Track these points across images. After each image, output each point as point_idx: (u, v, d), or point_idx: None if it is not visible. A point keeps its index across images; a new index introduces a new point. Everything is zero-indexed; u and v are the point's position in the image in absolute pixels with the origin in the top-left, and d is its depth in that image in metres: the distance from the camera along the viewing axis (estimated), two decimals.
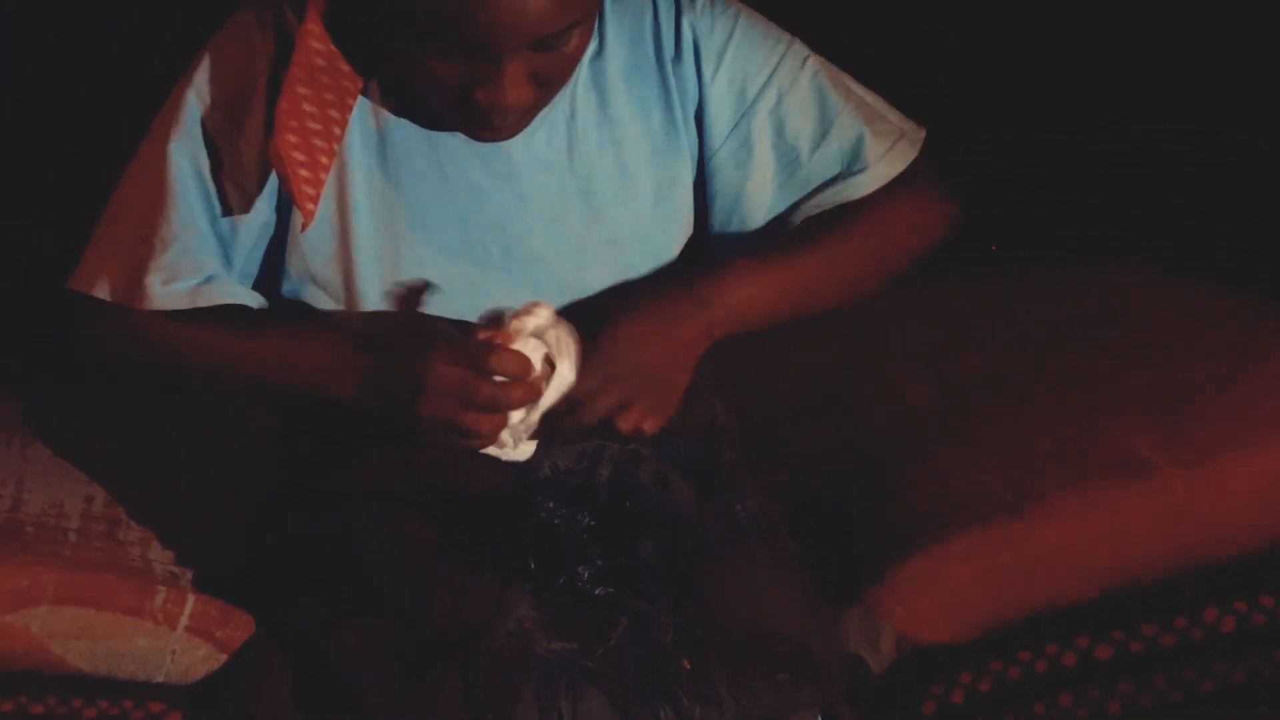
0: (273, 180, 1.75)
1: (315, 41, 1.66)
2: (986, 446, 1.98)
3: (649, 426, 1.75)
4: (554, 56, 1.60)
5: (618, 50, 1.76)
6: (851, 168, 1.84)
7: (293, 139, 1.65)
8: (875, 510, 1.93)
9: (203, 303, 1.76)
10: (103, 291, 1.78)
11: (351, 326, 1.76)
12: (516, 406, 1.66)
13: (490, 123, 1.62)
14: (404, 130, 1.74)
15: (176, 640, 1.79)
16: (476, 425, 1.65)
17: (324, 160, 1.67)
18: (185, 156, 1.74)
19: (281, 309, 1.82)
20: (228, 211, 1.75)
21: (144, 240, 1.76)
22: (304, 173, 1.66)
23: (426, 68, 1.59)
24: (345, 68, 1.68)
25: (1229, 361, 2.03)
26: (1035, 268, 2.43)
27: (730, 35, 1.78)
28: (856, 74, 1.91)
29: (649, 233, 1.80)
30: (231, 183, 1.74)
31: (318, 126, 1.67)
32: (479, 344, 1.65)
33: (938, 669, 1.84)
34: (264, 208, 1.77)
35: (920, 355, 2.16)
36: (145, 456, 2.07)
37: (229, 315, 1.77)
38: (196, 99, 1.74)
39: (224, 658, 1.79)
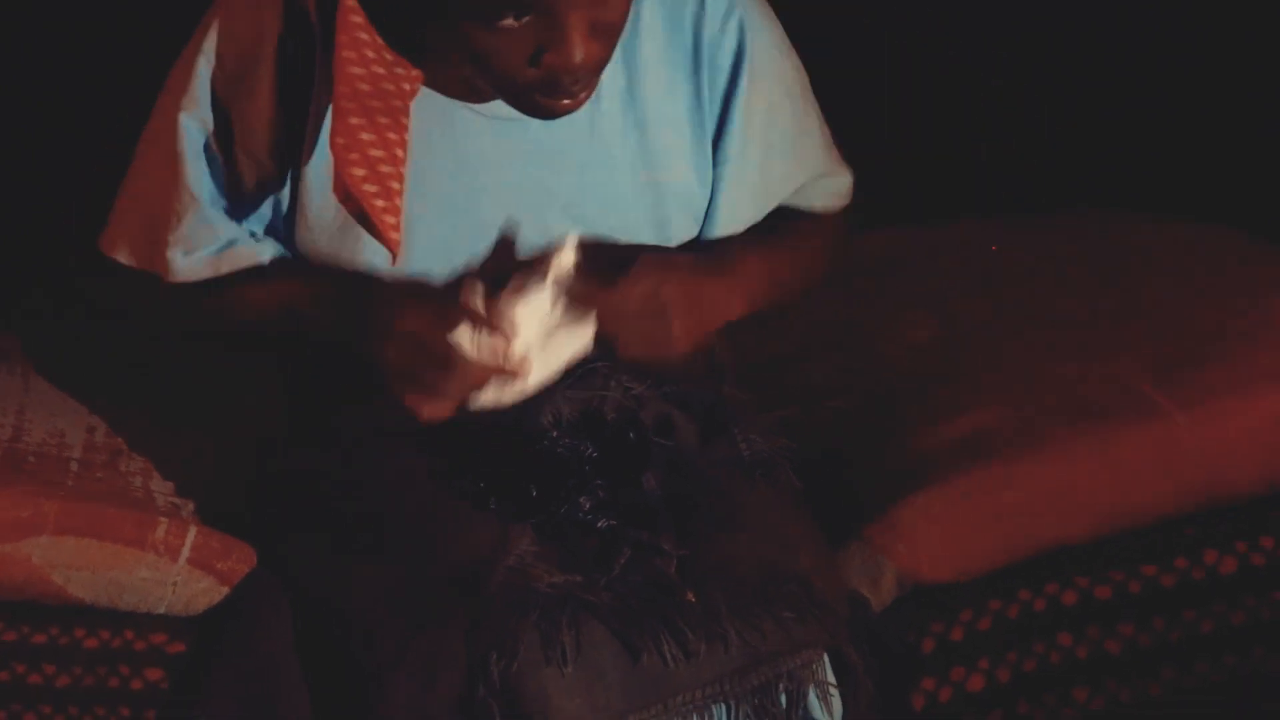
0: (283, 150, 1.72)
1: (354, 67, 1.62)
2: (989, 386, 1.99)
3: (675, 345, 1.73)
4: (609, 3, 1.57)
5: (653, 32, 1.72)
6: (804, 195, 1.84)
7: (359, 172, 1.60)
8: (877, 448, 1.93)
9: (225, 269, 1.75)
10: (125, 257, 1.79)
11: (355, 277, 1.74)
12: (466, 380, 1.62)
13: (562, 85, 1.57)
14: (421, 107, 1.70)
15: (178, 572, 1.79)
16: (435, 381, 1.61)
17: (395, 186, 1.62)
18: (196, 124, 1.71)
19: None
20: (239, 180, 1.73)
21: (160, 211, 1.74)
22: (380, 203, 1.61)
23: (489, 46, 1.55)
24: (390, 87, 1.65)
25: (1233, 303, 2.04)
26: (1040, 212, 2.43)
27: (767, 34, 1.76)
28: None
29: (663, 220, 1.77)
30: (243, 151, 1.71)
31: (380, 153, 1.62)
32: (455, 305, 1.63)
33: (938, 607, 1.85)
34: (275, 177, 1.74)
35: (923, 296, 2.17)
36: (148, 388, 2.07)
37: (247, 275, 1.76)
38: (205, 65, 1.70)
39: (225, 590, 1.79)
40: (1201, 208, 2.33)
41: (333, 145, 1.61)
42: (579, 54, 1.55)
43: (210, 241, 1.74)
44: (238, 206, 1.75)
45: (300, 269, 1.76)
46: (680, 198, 1.77)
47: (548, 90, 1.59)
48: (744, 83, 1.74)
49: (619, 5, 1.58)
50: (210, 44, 1.70)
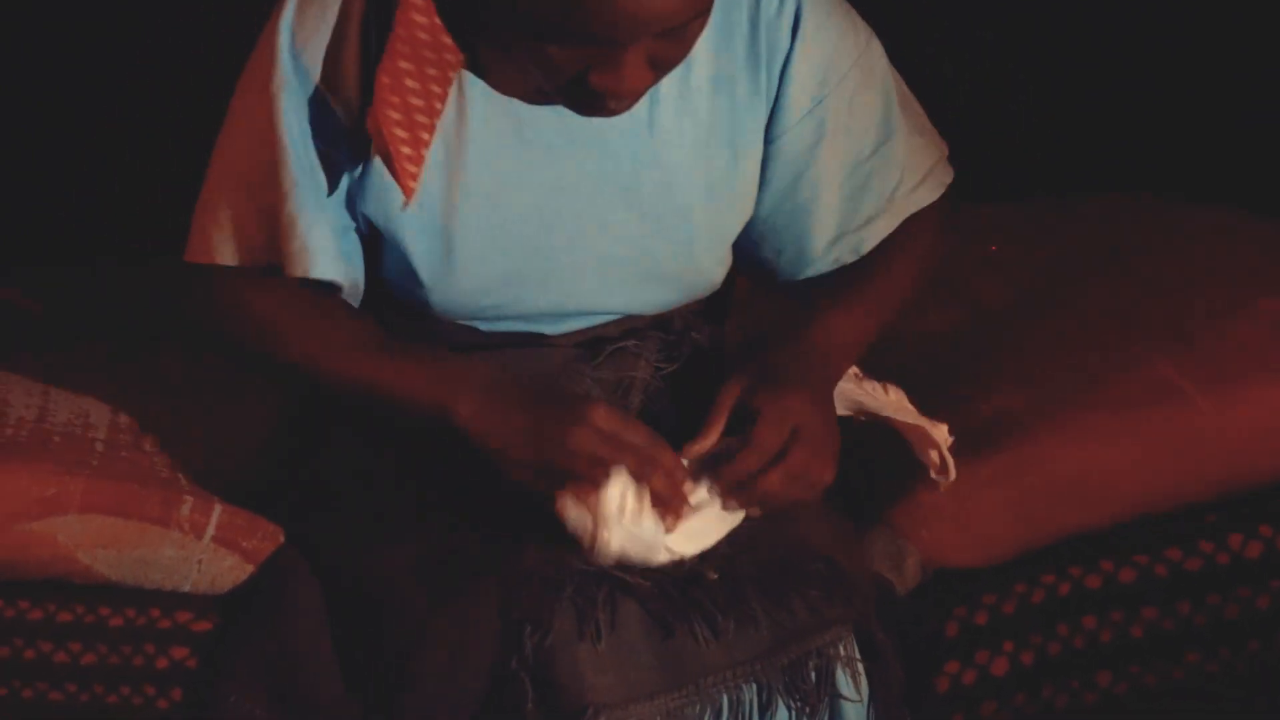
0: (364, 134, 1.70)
1: (419, 15, 1.62)
2: (1011, 372, 1.99)
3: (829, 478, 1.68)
4: (675, 42, 1.56)
5: (710, 17, 1.71)
6: (904, 182, 1.81)
7: (395, 115, 1.60)
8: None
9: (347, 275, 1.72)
10: (229, 257, 1.72)
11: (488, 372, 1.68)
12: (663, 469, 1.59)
13: (604, 105, 1.57)
14: (483, 91, 1.69)
15: (203, 550, 1.79)
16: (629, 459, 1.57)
17: (425, 136, 1.62)
18: (291, 104, 1.67)
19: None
20: (332, 161, 1.70)
21: (268, 198, 1.69)
22: (406, 149, 1.61)
23: (540, 53, 1.53)
24: (448, 41, 1.63)
25: (1255, 286, 2.04)
26: (1061, 196, 2.43)
27: (829, 15, 1.74)
28: None
29: (714, 207, 1.77)
30: (332, 134, 1.70)
31: (420, 102, 1.62)
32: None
33: (961, 591, 1.85)
34: (355, 165, 1.72)
35: (946, 280, 2.16)
36: (173, 368, 2.07)
37: (361, 323, 1.73)
38: (287, 43, 1.66)
39: (251, 568, 1.79)
40: (1226, 192, 2.32)
41: (377, 81, 1.61)
42: (628, 83, 1.54)
43: (319, 228, 1.69)
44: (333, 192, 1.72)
45: (419, 351, 1.70)
46: (738, 178, 1.76)
47: (586, 103, 1.59)
48: (800, 50, 1.72)
49: (687, 43, 1.56)
50: (288, 24, 1.67)
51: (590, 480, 1.55)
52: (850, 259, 1.81)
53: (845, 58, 1.75)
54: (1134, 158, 2.65)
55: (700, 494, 1.61)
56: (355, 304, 1.76)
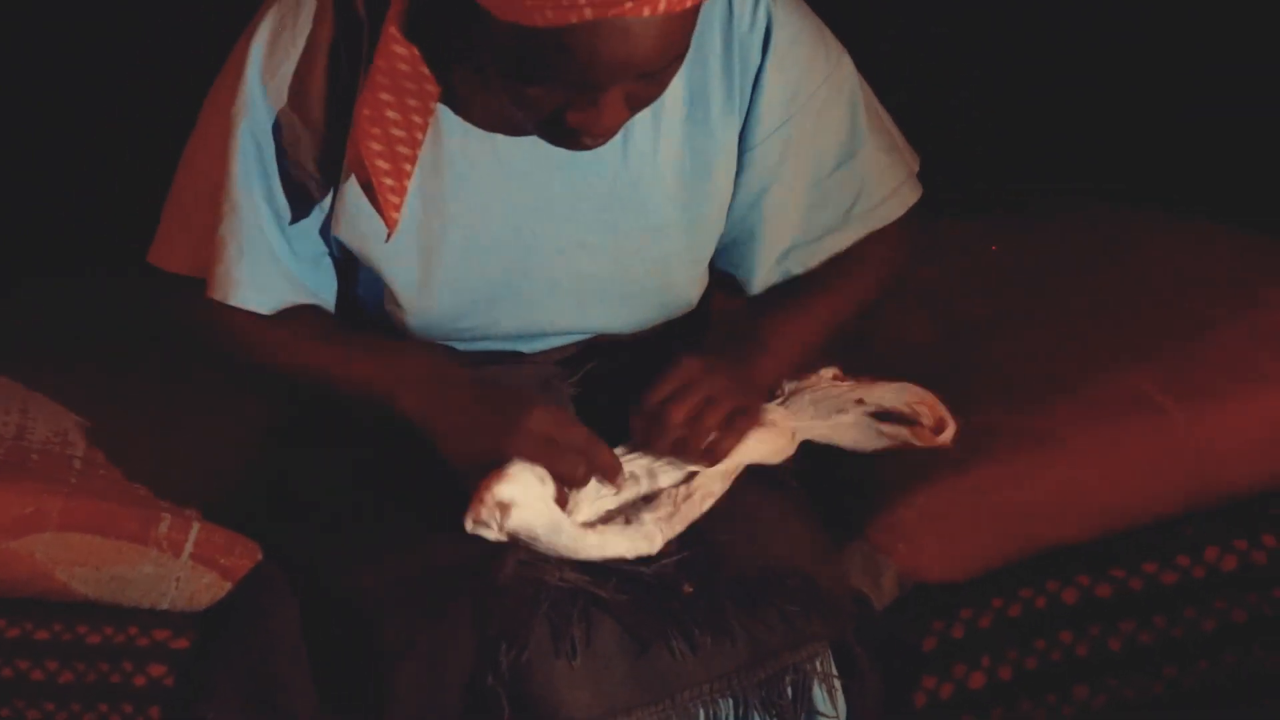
0: (331, 159, 1.71)
1: (399, 46, 1.63)
2: (989, 384, 1.99)
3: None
4: (652, 83, 1.57)
5: None
6: (864, 198, 1.82)
7: (376, 146, 1.62)
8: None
9: (286, 294, 1.74)
10: (179, 267, 1.76)
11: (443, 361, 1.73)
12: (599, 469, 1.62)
13: (580, 142, 1.58)
14: (457, 117, 1.70)
15: (181, 567, 1.79)
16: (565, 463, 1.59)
17: (407, 167, 1.63)
18: (247, 131, 1.68)
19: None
20: (292, 188, 1.71)
21: (209, 218, 1.71)
22: (389, 180, 1.62)
23: (518, 91, 1.54)
24: (427, 72, 1.64)
25: (1233, 299, 2.04)
26: (1037, 207, 2.43)
27: (800, 30, 1.75)
28: None
29: (689, 225, 1.77)
30: (292, 160, 1.70)
31: (401, 133, 1.63)
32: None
33: (939, 605, 1.85)
34: (320, 187, 1.73)
35: (922, 292, 2.17)
36: (151, 386, 2.07)
37: (314, 317, 1.76)
38: (255, 71, 1.67)
39: (229, 585, 1.79)
40: (1201, 203, 2.33)
41: (357, 112, 1.62)
42: (605, 122, 1.55)
43: (248, 258, 1.71)
44: (287, 218, 1.73)
45: (369, 342, 1.74)
46: (712, 195, 1.77)
47: (562, 139, 1.59)
48: (772, 67, 1.73)
49: (664, 82, 1.57)
50: (260, 49, 1.68)
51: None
52: (798, 270, 1.82)
53: (816, 74, 1.75)
54: (1117, 170, 2.64)
55: (629, 493, 1.63)
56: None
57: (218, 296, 1.71)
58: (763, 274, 1.83)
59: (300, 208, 1.72)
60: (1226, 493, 1.90)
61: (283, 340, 1.73)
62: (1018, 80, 2.73)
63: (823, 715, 1.62)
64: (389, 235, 1.66)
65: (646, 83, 1.54)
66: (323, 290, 1.78)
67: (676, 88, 1.71)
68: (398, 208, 1.64)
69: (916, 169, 1.87)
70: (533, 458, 1.58)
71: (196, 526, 1.80)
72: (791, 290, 1.82)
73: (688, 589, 1.59)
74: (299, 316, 1.75)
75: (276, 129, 1.69)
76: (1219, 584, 1.87)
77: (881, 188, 1.82)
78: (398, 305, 1.75)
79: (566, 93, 1.52)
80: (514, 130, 1.69)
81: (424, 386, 1.66)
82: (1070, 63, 2.72)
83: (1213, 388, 1.91)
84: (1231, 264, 2.14)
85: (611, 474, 1.62)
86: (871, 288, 1.86)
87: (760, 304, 1.83)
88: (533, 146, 1.67)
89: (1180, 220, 2.30)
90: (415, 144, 1.63)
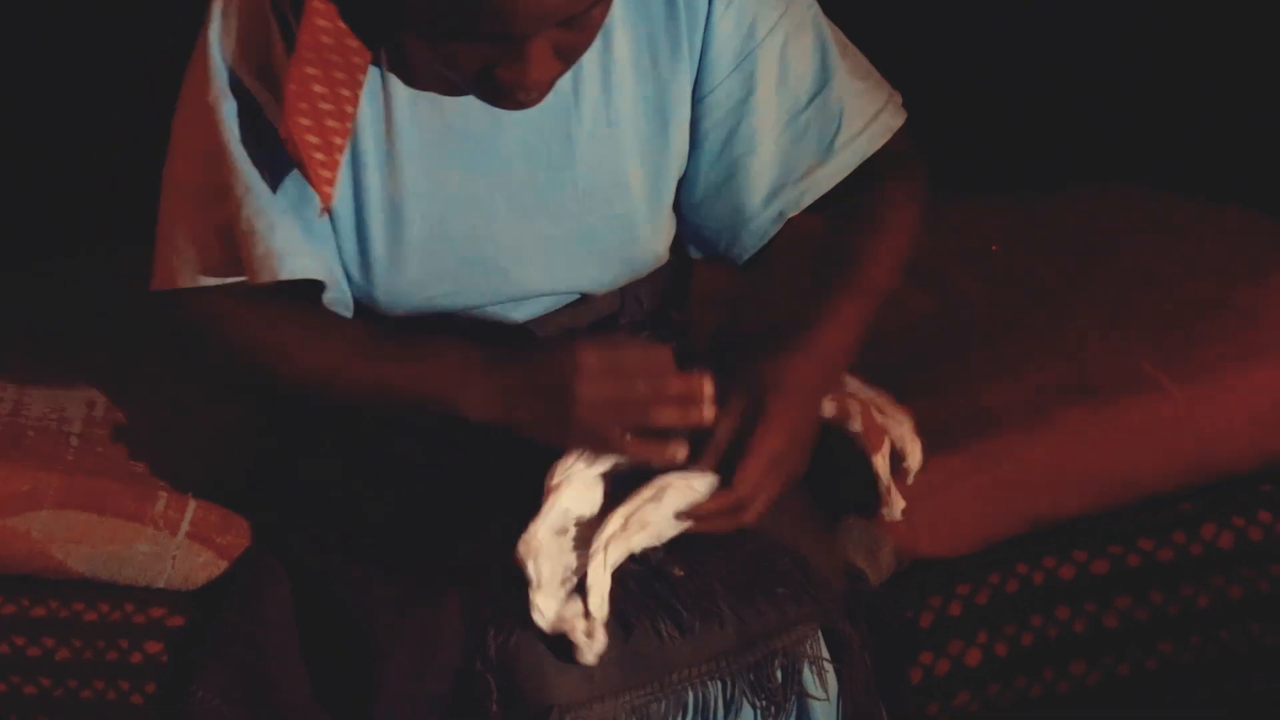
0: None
1: (321, 19, 1.61)
2: (988, 362, 1.99)
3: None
4: (578, 30, 1.55)
5: None
6: (844, 128, 1.79)
7: (305, 121, 1.59)
8: None
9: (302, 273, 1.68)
10: (191, 278, 1.70)
11: (468, 346, 1.66)
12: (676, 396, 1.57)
13: (514, 97, 1.56)
14: (404, 86, 1.68)
15: (177, 546, 1.80)
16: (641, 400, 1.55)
17: (338, 141, 1.60)
18: (231, 113, 1.66)
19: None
20: (283, 164, 1.67)
21: (222, 214, 1.68)
22: (319, 155, 1.60)
23: (444, 49, 1.53)
24: (353, 43, 1.61)
25: (1230, 278, 2.04)
26: (1037, 189, 2.42)
27: None
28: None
29: (649, 177, 1.76)
30: (272, 141, 1.69)
31: (329, 107, 1.60)
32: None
33: (936, 581, 1.86)
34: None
35: (923, 272, 2.16)
36: (149, 364, 2.06)
37: (343, 324, 1.72)
38: (220, 55, 1.66)
39: (225, 564, 1.80)
40: (1201, 184, 2.32)
41: (284, 89, 1.59)
42: (534, 74, 1.53)
43: (281, 229, 1.67)
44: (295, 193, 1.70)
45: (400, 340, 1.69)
46: (670, 143, 1.75)
47: (496, 96, 1.58)
48: (721, 6, 1.69)
49: (591, 29, 1.54)
50: (215, 33, 1.66)
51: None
52: (793, 211, 1.77)
53: (772, 10, 1.72)
54: (1117, 149, 2.64)
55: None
56: (344, 299, 1.74)
57: (265, 277, 1.65)
58: (757, 223, 1.77)
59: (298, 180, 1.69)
60: (1223, 470, 1.90)
61: (326, 350, 1.69)
62: (1018, 75, 2.73)
63: (813, 698, 1.61)
64: (323, 210, 1.63)
65: (570, 30, 1.52)
66: (338, 273, 1.74)
67: (623, 38, 1.69)
68: (330, 182, 1.61)
69: (898, 100, 1.81)
70: (598, 420, 1.56)
71: (193, 505, 1.81)
72: (821, 279, 1.74)
73: (677, 572, 1.59)
74: (333, 325, 1.71)
75: (253, 111, 1.67)
76: (1216, 560, 1.87)
77: (861, 115, 1.77)
78: (369, 280, 1.73)
79: (491, 48, 1.51)
80: (456, 91, 1.67)
81: (477, 385, 1.62)
82: (1071, 54, 2.72)
83: (1210, 366, 1.91)
84: (1231, 243, 2.14)
85: (692, 393, 1.58)
86: (899, 259, 1.79)
87: (767, 279, 1.81)
88: (482, 107, 1.64)
89: (1183, 201, 2.29)
90: (345, 116, 1.61)
